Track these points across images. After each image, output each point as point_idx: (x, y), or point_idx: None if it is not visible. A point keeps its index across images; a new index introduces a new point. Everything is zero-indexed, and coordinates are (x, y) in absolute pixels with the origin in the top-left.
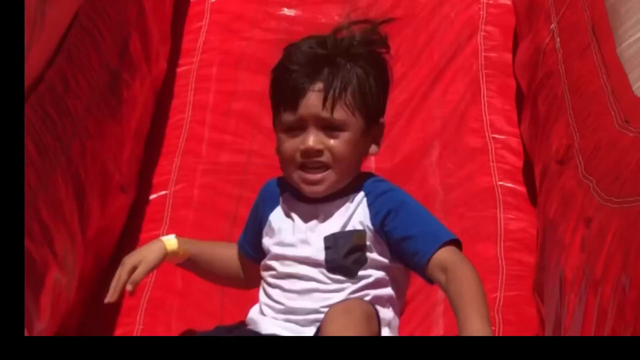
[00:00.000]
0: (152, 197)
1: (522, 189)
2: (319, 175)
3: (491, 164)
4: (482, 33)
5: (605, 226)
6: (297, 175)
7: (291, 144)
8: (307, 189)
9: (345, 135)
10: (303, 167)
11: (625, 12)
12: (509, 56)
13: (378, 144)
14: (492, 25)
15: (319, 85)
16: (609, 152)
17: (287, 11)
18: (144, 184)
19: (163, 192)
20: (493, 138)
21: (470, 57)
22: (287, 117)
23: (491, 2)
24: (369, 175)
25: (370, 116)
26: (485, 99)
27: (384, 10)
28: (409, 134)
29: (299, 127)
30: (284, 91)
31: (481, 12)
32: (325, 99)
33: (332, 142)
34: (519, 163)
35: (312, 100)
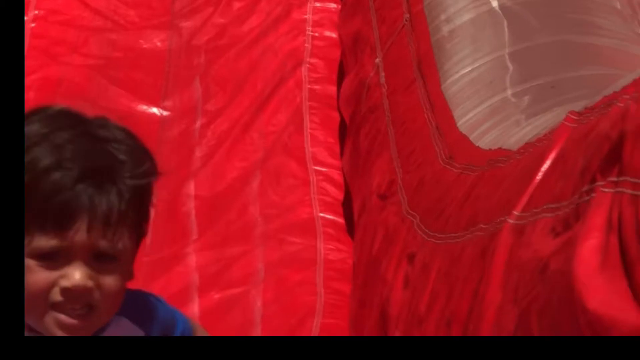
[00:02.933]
0: None
1: (342, 221)
2: (81, 321)
3: (312, 195)
4: (307, 65)
5: (429, 262)
6: (50, 319)
7: (46, 277)
8: (66, 334)
9: (119, 267)
10: (59, 308)
11: (450, 48)
12: (333, 89)
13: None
14: (317, 57)
15: (103, 205)
16: (433, 187)
17: (108, 36)
18: None
19: None
20: (315, 170)
21: (294, 88)
22: (45, 241)
23: (317, 34)
24: None
25: (141, 235)
26: (308, 130)
27: (208, 38)
28: (230, 163)
29: (60, 256)
30: (45, 205)
31: (306, 45)
32: (108, 223)
33: (105, 278)
34: (340, 196)
35: (89, 224)
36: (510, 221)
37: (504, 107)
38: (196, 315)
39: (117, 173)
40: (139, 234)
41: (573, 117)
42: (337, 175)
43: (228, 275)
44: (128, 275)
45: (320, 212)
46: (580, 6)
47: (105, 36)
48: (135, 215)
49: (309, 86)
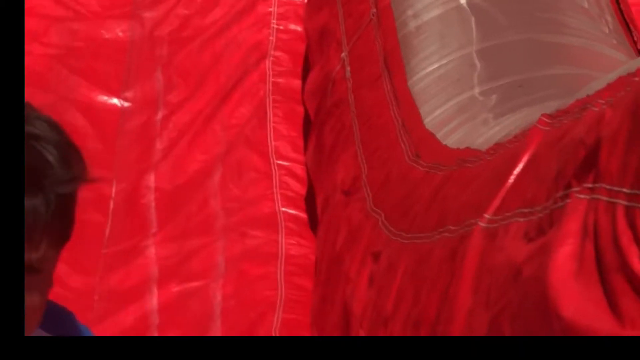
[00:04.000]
0: None
1: (304, 216)
2: None
3: (274, 189)
4: (271, 58)
5: (395, 262)
6: None
7: None
8: None
9: (41, 280)
10: None
11: (417, 44)
12: (297, 83)
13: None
14: (281, 50)
15: (27, 210)
16: (399, 185)
17: (69, 25)
18: None
19: None
20: (278, 164)
21: (257, 81)
22: None
23: (281, 27)
24: None
25: (65, 241)
26: (272, 124)
27: (171, 29)
28: (191, 155)
29: None
30: None
31: (271, 38)
32: (31, 234)
33: (25, 294)
34: (303, 190)
35: None
36: (482, 224)
37: (471, 106)
38: (155, 308)
39: (43, 176)
40: (63, 241)
41: (546, 120)
42: (300, 170)
43: (188, 268)
44: (49, 285)
45: (282, 206)
46: (548, 5)
47: (66, 25)
48: (60, 223)
49: (272, 79)
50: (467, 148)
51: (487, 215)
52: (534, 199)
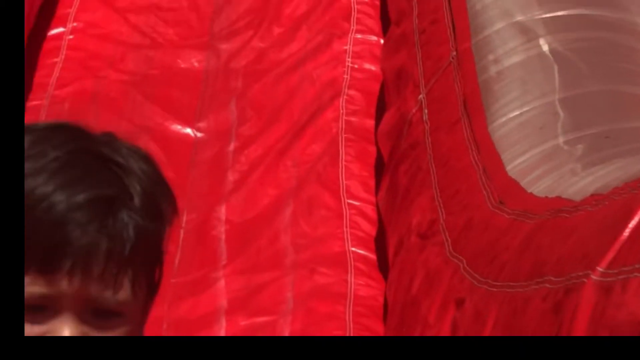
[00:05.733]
0: None
1: (374, 257)
2: None
3: (345, 228)
4: (345, 96)
5: (483, 310)
6: None
7: (27, 333)
8: None
9: (124, 325)
10: None
11: (498, 90)
12: (370, 122)
13: (143, 327)
14: (355, 89)
15: (103, 245)
16: (482, 232)
17: (146, 52)
18: None
19: None
20: (348, 203)
21: (330, 119)
22: (28, 287)
23: (356, 66)
24: None
25: (157, 280)
26: (343, 163)
27: (247, 62)
28: (262, 189)
29: (46, 307)
30: (32, 242)
31: (345, 76)
32: (108, 269)
33: None
34: (373, 231)
35: (86, 271)
36: (594, 277)
37: (556, 155)
38: None
39: (122, 205)
40: (149, 285)
41: None
42: (370, 210)
43: (256, 302)
44: (136, 334)
45: (352, 246)
46: (628, 56)
47: (142, 53)
48: (143, 261)
49: (345, 118)
50: (558, 197)
51: (600, 269)
52: None
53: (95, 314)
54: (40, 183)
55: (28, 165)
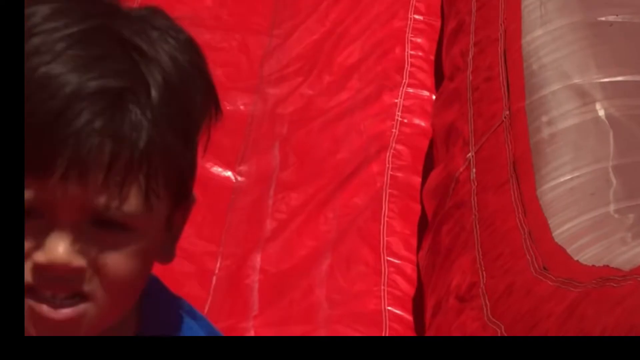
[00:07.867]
0: None
1: (410, 318)
2: (68, 312)
3: (382, 287)
4: (392, 151)
5: None
6: (26, 309)
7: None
8: (43, 333)
9: (132, 242)
10: (34, 294)
11: (550, 153)
12: (416, 179)
13: (174, 246)
14: (402, 144)
15: (106, 147)
16: (523, 298)
17: None
18: None
19: None
20: (388, 261)
21: (376, 173)
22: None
23: (405, 121)
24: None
25: (183, 190)
26: (386, 219)
27: (294, 108)
28: (300, 240)
29: (40, 216)
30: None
31: (393, 130)
32: (114, 172)
33: (107, 256)
34: (411, 291)
35: (81, 171)
36: None
37: (606, 223)
38: None
39: (134, 99)
40: (175, 195)
41: None
42: (410, 270)
43: None
44: (148, 255)
45: (389, 305)
46: None
47: None
48: (162, 166)
49: (391, 173)
50: (606, 266)
51: None
52: None
53: (97, 226)
54: (42, 62)
55: (36, 41)
